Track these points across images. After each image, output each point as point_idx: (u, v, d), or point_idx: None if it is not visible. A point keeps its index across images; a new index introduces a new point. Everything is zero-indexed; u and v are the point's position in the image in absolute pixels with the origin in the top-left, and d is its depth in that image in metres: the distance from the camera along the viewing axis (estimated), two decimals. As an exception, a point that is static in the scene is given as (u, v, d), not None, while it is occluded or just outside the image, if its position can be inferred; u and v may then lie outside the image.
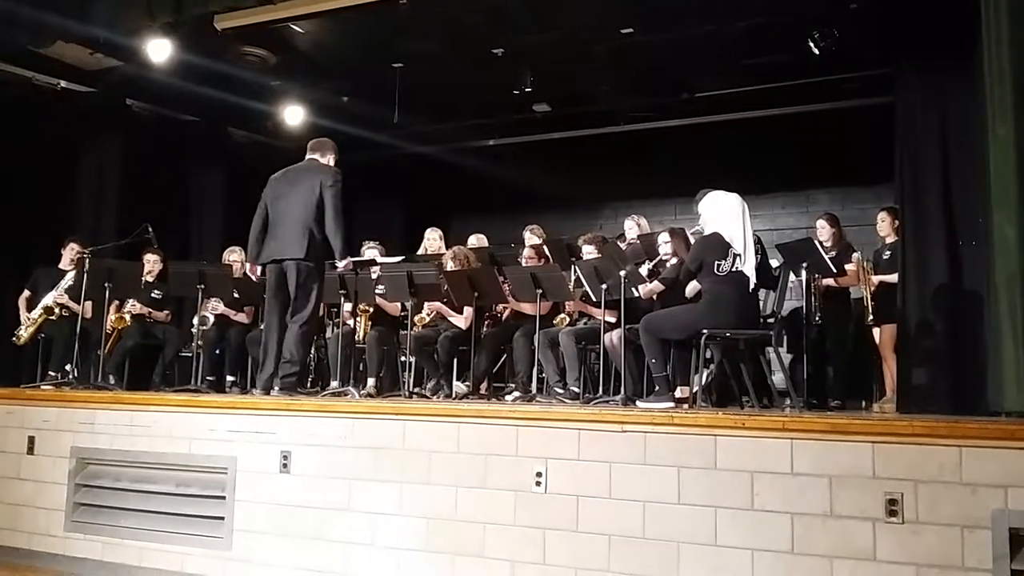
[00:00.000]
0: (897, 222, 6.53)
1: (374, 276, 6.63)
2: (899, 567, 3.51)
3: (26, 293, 7.46)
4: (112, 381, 6.91)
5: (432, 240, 7.92)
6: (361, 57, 8.34)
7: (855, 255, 6.78)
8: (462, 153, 10.13)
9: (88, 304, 6.96)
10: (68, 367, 6.79)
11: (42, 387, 6.55)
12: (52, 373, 7.04)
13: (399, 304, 6.85)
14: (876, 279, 6.72)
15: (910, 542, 3.51)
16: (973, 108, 5.39)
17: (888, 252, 6.77)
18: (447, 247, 7.44)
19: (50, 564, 5.45)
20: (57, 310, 7.30)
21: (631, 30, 7.51)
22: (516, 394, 6.27)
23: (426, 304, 6.77)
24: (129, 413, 5.46)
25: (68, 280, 7.24)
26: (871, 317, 6.73)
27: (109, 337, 7.16)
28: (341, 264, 5.96)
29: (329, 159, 6.13)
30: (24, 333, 7.26)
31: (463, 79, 8.78)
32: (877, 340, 6.73)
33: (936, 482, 3.50)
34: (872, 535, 3.57)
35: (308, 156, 6.15)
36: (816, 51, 7.28)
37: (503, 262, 7.07)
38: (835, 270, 6.37)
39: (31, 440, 5.72)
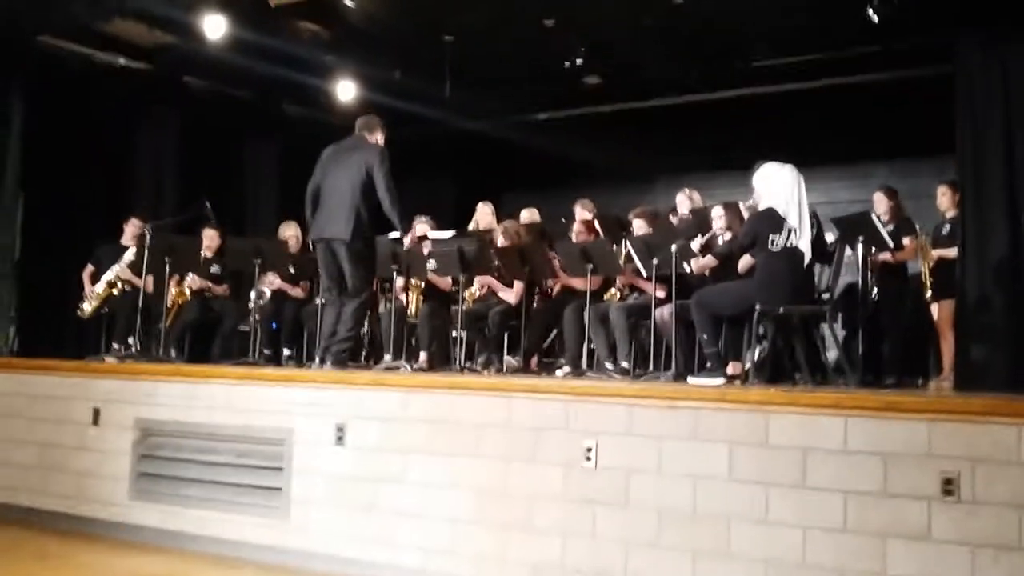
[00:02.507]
0: (957, 196, 6.38)
1: (426, 251, 6.68)
2: (954, 547, 3.47)
3: (90, 268, 7.66)
4: (173, 354, 7.08)
5: (484, 215, 7.91)
6: (412, 31, 8.33)
7: (912, 233, 6.61)
8: (513, 127, 10.09)
9: (149, 279, 7.13)
10: (131, 340, 6.99)
11: (106, 360, 6.71)
12: (116, 346, 7.23)
13: (450, 279, 6.90)
14: (935, 254, 6.57)
15: (965, 521, 3.47)
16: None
17: (948, 226, 6.62)
18: (498, 222, 7.46)
19: (113, 532, 5.63)
20: (120, 284, 7.49)
21: (683, -1, 7.40)
22: (566, 369, 6.29)
23: (477, 279, 6.81)
24: (189, 385, 5.59)
25: (129, 255, 7.42)
26: (929, 293, 6.60)
27: (170, 311, 7.31)
28: (407, 240, 6.15)
29: (377, 137, 6.20)
30: (88, 307, 7.47)
31: (514, 52, 8.72)
32: (935, 316, 6.60)
33: (993, 461, 3.45)
34: (927, 514, 3.53)
35: (356, 133, 6.24)
36: (875, 19, 7.10)
37: (553, 237, 7.06)
38: (892, 244, 6.24)
39: (96, 411, 5.88)
